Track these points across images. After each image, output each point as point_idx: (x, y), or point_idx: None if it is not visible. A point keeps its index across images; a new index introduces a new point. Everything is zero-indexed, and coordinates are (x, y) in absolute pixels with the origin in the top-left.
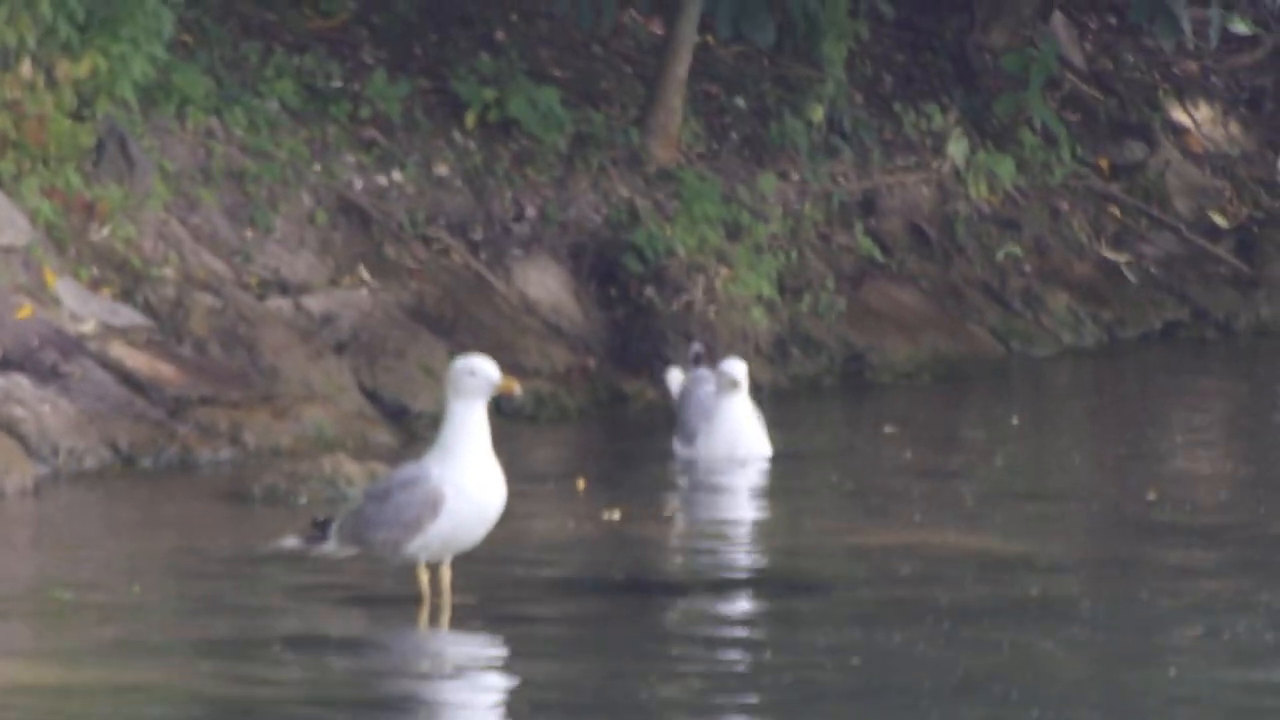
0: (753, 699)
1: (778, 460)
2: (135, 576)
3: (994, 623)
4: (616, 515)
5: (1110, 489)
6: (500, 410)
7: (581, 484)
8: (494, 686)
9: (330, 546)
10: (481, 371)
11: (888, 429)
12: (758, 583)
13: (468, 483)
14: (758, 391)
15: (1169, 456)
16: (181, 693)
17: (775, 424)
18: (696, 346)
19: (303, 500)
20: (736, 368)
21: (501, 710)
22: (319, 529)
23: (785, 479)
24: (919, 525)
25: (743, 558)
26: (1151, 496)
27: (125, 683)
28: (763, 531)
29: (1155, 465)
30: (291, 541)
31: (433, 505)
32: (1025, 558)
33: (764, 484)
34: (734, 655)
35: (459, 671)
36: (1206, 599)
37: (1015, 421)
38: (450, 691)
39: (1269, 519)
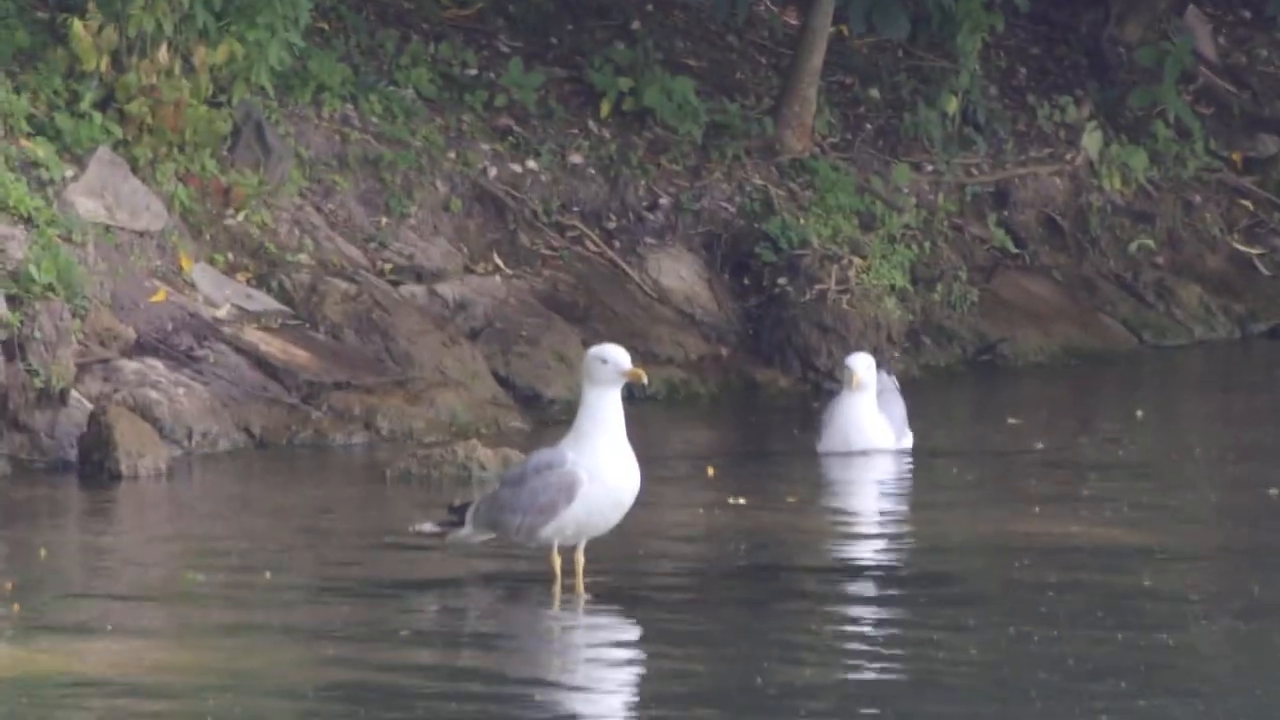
0: (867, 684)
1: (906, 453)
2: (267, 560)
3: (1107, 614)
4: (743, 501)
5: (1233, 482)
6: (634, 397)
7: (711, 471)
8: (624, 670)
9: (466, 531)
10: (613, 359)
11: (1011, 420)
12: (875, 571)
13: (602, 469)
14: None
15: None
16: (308, 679)
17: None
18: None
19: (436, 485)
20: (858, 362)
21: (631, 694)
22: (455, 514)
23: (912, 470)
24: (1040, 515)
25: (862, 546)
26: (1274, 491)
27: (252, 667)
28: (885, 520)
29: (1278, 457)
30: (428, 526)
31: (568, 490)
32: (1143, 549)
33: (891, 475)
34: (851, 644)
35: (590, 655)
36: None
37: (1140, 414)
38: (580, 675)
39: None
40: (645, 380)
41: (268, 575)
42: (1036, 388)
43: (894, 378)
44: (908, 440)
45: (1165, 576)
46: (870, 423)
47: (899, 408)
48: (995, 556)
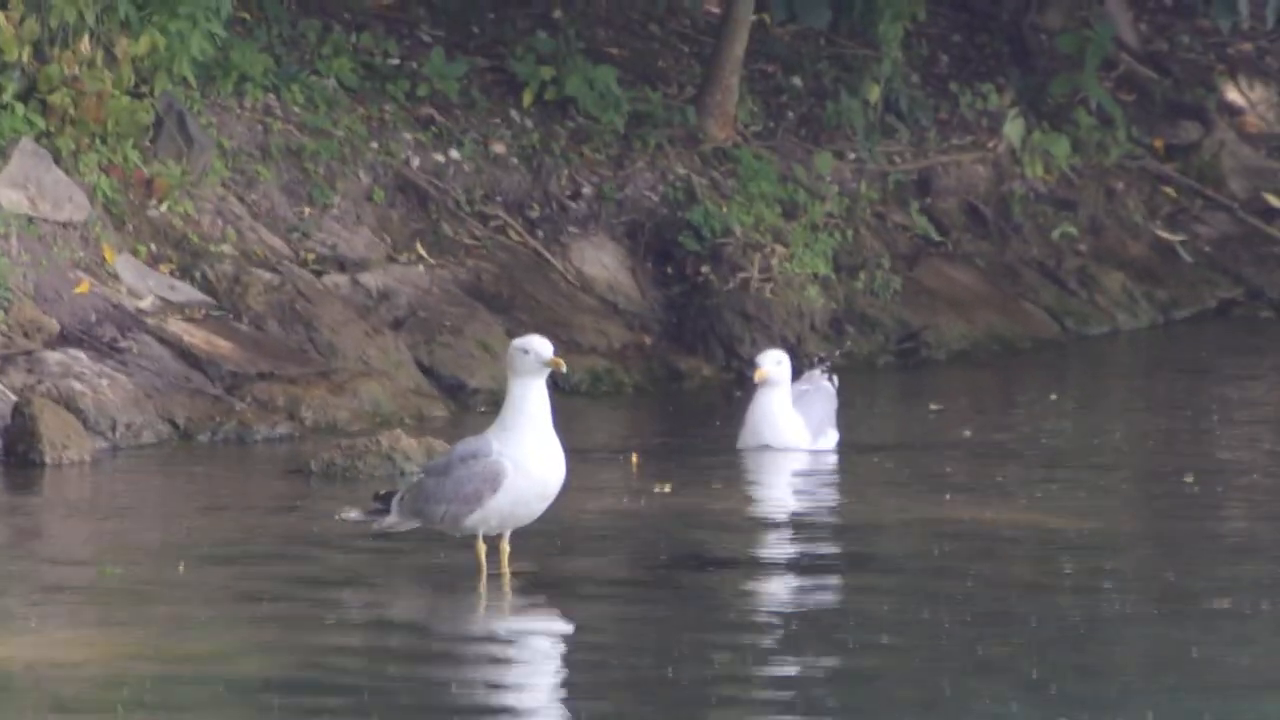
0: (791, 672)
1: (829, 452)
2: (188, 553)
3: (1021, 600)
4: (667, 489)
5: (1150, 466)
6: (559, 387)
7: (635, 459)
8: (545, 660)
9: (391, 519)
10: (535, 350)
11: (933, 407)
12: (795, 559)
13: (527, 459)
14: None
15: (1213, 434)
16: (227, 669)
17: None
18: (821, 356)
19: (360, 475)
20: (765, 358)
21: (557, 678)
22: (381, 502)
23: (836, 461)
24: (960, 502)
25: (782, 534)
26: (1189, 479)
27: (173, 655)
28: (805, 510)
29: (1198, 444)
30: (354, 514)
31: (492, 480)
32: (1060, 535)
33: (814, 467)
34: (775, 628)
35: (515, 641)
36: (1232, 575)
37: (1054, 398)
38: (502, 666)
39: None
40: (564, 369)
41: (181, 568)
42: (960, 375)
43: (829, 375)
44: (828, 440)
45: (1082, 562)
46: (784, 420)
47: (822, 406)
48: (915, 543)
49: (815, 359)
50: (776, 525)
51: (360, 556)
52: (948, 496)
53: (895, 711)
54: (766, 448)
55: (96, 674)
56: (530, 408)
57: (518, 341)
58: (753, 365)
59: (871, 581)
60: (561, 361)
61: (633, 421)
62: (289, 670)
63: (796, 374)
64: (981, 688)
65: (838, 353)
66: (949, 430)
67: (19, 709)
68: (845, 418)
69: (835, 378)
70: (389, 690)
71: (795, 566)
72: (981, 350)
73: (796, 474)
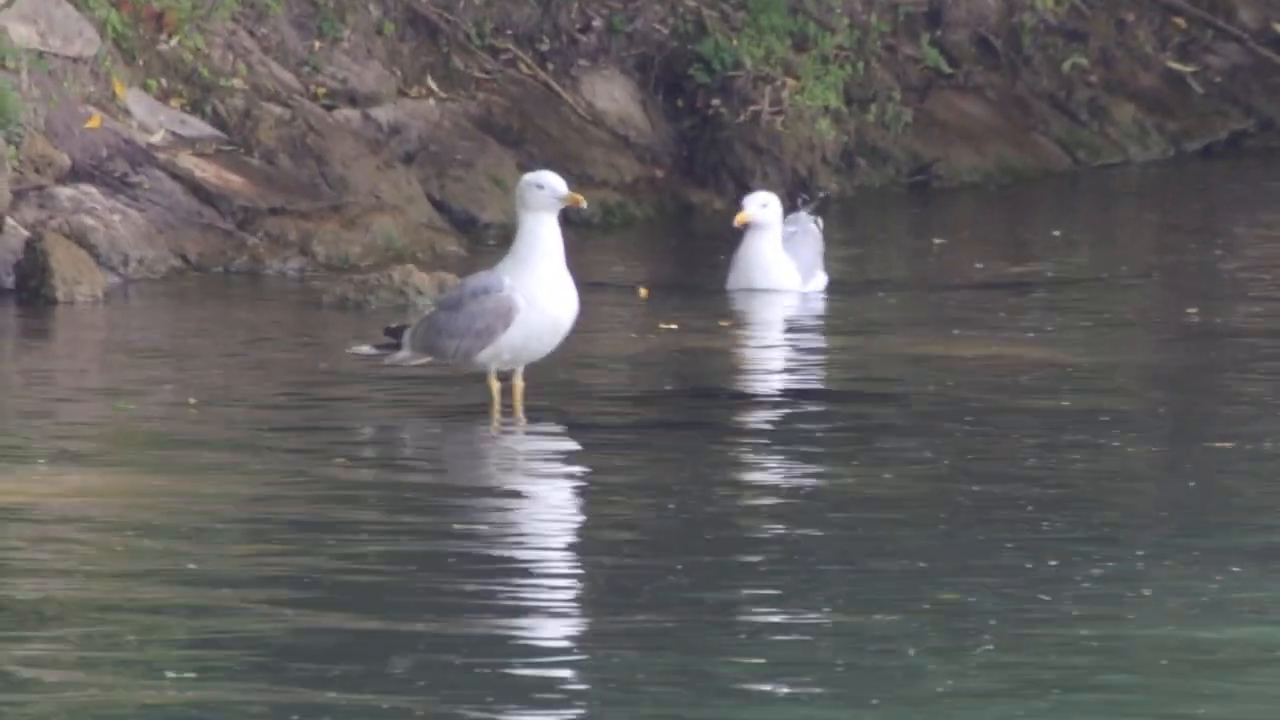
0: (804, 508)
1: (817, 294)
2: (199, 389)
3: (1024, 435)
4: (674, 326)
5: (1156, 303)
6: (568, 220)
7: (644, 292)
8: (563, 485)
9: (403, 354)
10: (549, 185)
11: (937, 241)
12: (803, 397)
13: (539, 294)
14: (825, 205)
15: (1220, 265)
16: (241, 495)
17: (842, 235)
18: (804, 197)
19: (372, 309)
20: (750, 200)
21: (571, 504)
22: (392, 335)
23: (844, 297)
24: (964, 338)
25: (789, 372)
26: (1192, 312)
27: (181, 493)
28: (810, 349)
29: (1205, 276)
30: (364, 348)
31: (504, 315)
32: (1060, 368)
33: (820, 304)
34: (792, 464)
35: (528, 470)
36: (1233, 408)
37: (1057, 234)
38: (518, 489)
39: None
40: (584, 205)
41: (192, 403)
42: (970, 208)
43: (814, 217)
44: (817, 282)
45: (1082, 397)
46: (774, 262)
47: (811, 249)
48: (919, 379)
49: (800, 199)
50: (787, 364)
51: (372, 391)
52: (955, 332)
53: (895, 536)
54: (755, 290)
55: (101, 513)
56: (542, 243)
57: (530, 176)
58: (814, 192)
59: (878, 418)
60: (580, 198)
61: (642, 255)
62: (297, 510)
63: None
64: (980, 528)
65: (821, 194)
66: (959, 265)
67: (23, 539)
68: (856, 252)
69: (820, 219)
70: (399, 532)
71: (805, 404)
72: (992, 182)
73: (807, 311)
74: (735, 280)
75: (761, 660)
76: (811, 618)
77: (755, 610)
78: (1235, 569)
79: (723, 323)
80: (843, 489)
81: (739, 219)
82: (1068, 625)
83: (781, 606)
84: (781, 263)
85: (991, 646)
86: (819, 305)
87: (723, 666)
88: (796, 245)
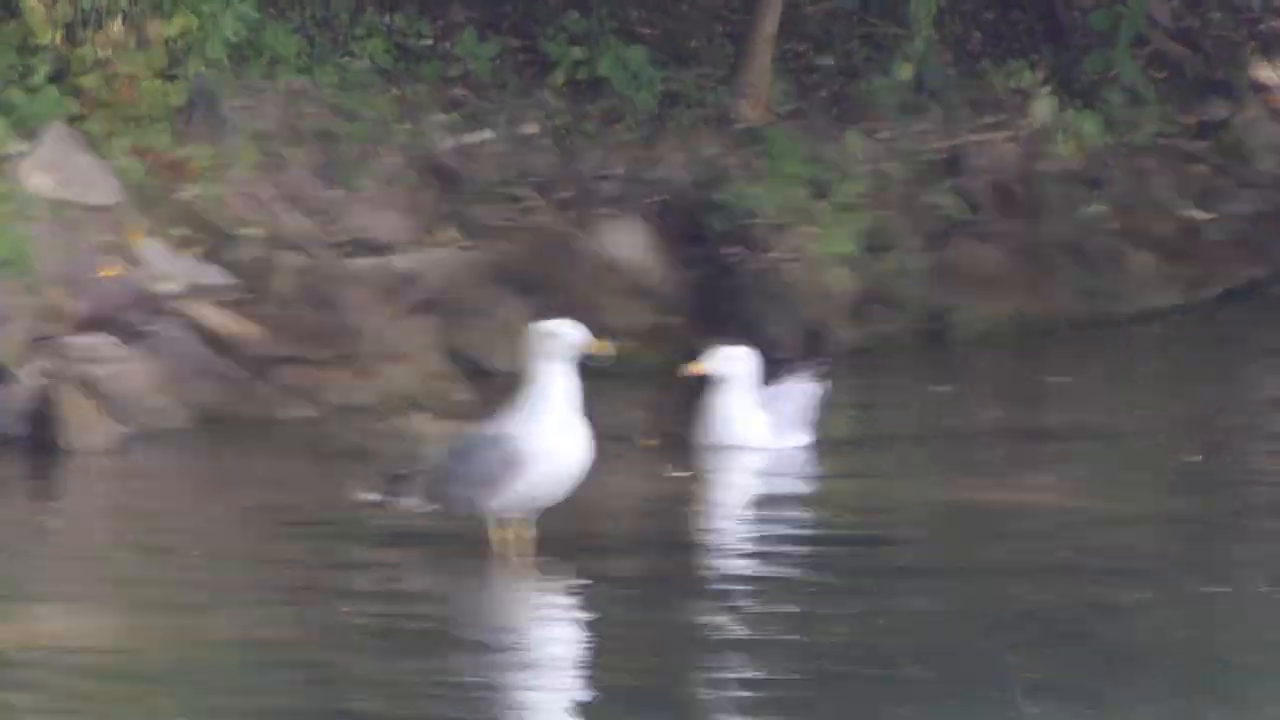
0: (800, 657)
1: (802, 449)
2: (206, 537)
3: (1016, 579)
4: (687, 473)
5: (1161, 449)
6: (583, 368)
7: (650, 443)
8: (567, 637)
9: (410, 502)
10: (562, 334)
11: (938, 388)
12: (819, 541)
13: (549, 443)
14: (833, 352)
15: (1235, 415)
16: (244, 643)
17: (854, 382)
18: (821, 359)
19: (382, 457)
20: (713, 354)
21: (573, 660)
22: (397, 483)
23: (860, 445)
24: (979, 485)
25: (799, 518)
26: (1197, 459)
27: (188, 634)
28: (822, 494)
29: (1217, 424)
30: (371, 495)
31: (512, 465)
32: (1064, 514)
33: (833, 452)
34: (789, 608)
35: (532, 622)
36: (1223, 556)
37: (1064, 380)
38: (523, 642)
39: None
40: (612, 352)
41: (195, 554)
42: (986, 356)
43: (817, 378)
44: (796, 439)
45: (1086, 541)
46: (740, 418)
47: (795, 406)
48: (932, 525)
49: (816, 362)
50: (788, 510)
51: (379, 538)
52: (977, 479)
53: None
54: (722, 447)
55: (109, 658)
56: (554, 391)
57: (543, 325)
58: (792, 358)
59: (885, 561)
60: (607, 344)
61: (651, 405)
62: (303, 657)
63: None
64: (992, 663)
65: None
66: (972, 413)
67: (34, 690)
68: (869, 400)
69: (830, 381)
70: (402, 680)
71: (820, 547)
72: (1007, 330)
73: (820, 457)
74: (705, 435)
75: None
76: None
77: None
78: None
79: (678, 472)
80: (851, 639)
81: (690, 369)
82: None
83: None
84: (750, 419)
85: None
86: (841, 451)
87: None
88: (780, 402)
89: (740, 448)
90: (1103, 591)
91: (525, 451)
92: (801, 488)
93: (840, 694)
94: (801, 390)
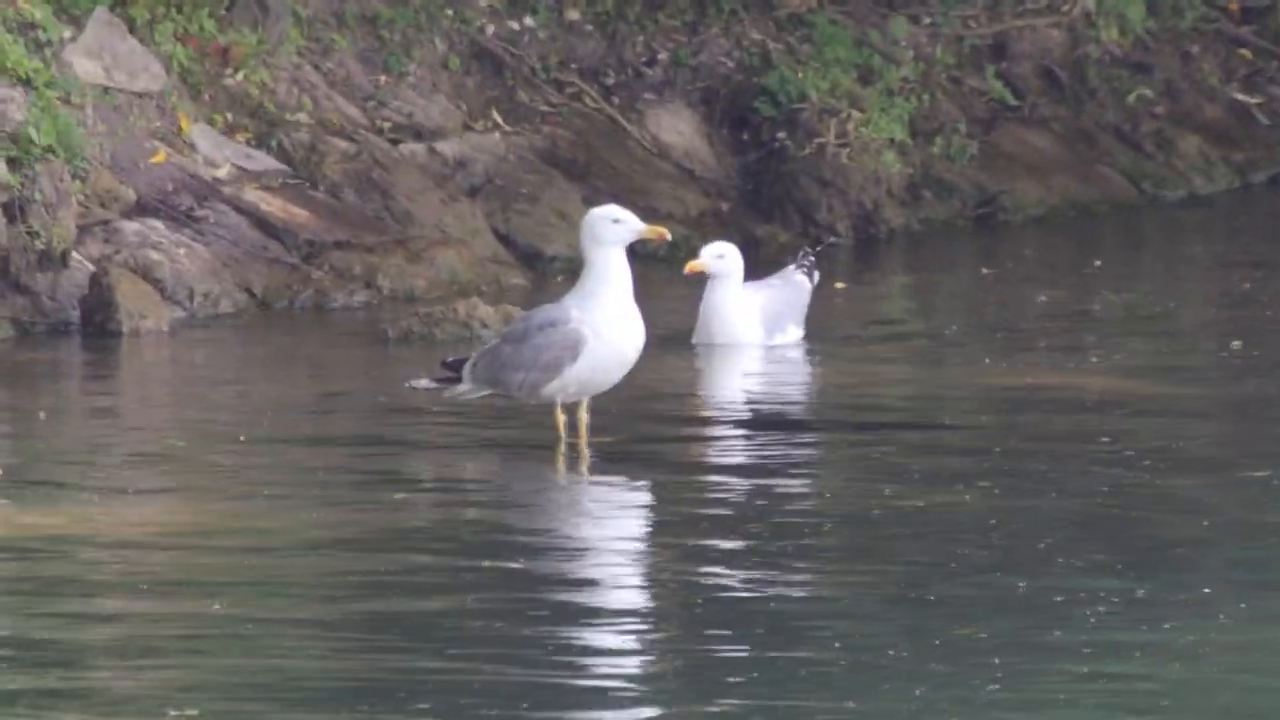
0: (855, 532)
1: (793, 346)
2: (258, 423)
3: (1056, 467)
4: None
5: (1208, 334)
6: (634, 254)
7: None
8: (626, 528)
9: (463, 387)
10: (624, 220)
11: (984, 270)
12: (866, 418)
13: (606, 326)
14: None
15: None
16: (296, 536)
17: (906, 263)
18: (806, 249)
19: (437, 342)
20: (706, 251)
21: (634, 553)
22: (450, 369)
23: (911, 329)
24: (1022, 367)
25: (848, 395)
26: (1236, 344)
27: (239, 526)
28: (875, 373)
29: (1263, 309)
30: (424, 382)
31: (572, 347)
32: (1107, 400)
33: (878, 340)
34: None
35: (592, 512)
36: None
37: (1098, 264)
38: (582, 535)
39: None
40: (668, 238)
41: (242, 438)
42: (1035, 241)
43: (803, 270)
44: (787, 336)
45: (1122, 427)
46: (734, 316)
47: (785, 301)
48: (980, 407)
49: (802, 253)
50: (854, 387)
51: (432, 425)
52: (986, 361)
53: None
54: (715, 345)
55: (160, 539)
56: (612, 275)
57: (601, 210)
58: (819, 241)
59: (916, 442)
60: (664, 230)
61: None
62: (353, 533)
63: (780, 267)
64: (1019, 552)
65: (821, 244)
66: (1022, 295)
67: (81, 568)
68: (919, 279)
69: (816, 273)
70: (458, 572)
71: (870, 421)
72: (1057, 215)
73: (882, 337)
74: (698, 334)
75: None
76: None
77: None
78: None
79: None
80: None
81: (689, 267)
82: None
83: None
84: (743, 315)
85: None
86: (792, 355)
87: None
88: (770, 298)
89: (733, 345)
90: (1149, 477)
91: (584, 335)
92: (840, 377)
93: (901, 576)
94: (793, 284)
